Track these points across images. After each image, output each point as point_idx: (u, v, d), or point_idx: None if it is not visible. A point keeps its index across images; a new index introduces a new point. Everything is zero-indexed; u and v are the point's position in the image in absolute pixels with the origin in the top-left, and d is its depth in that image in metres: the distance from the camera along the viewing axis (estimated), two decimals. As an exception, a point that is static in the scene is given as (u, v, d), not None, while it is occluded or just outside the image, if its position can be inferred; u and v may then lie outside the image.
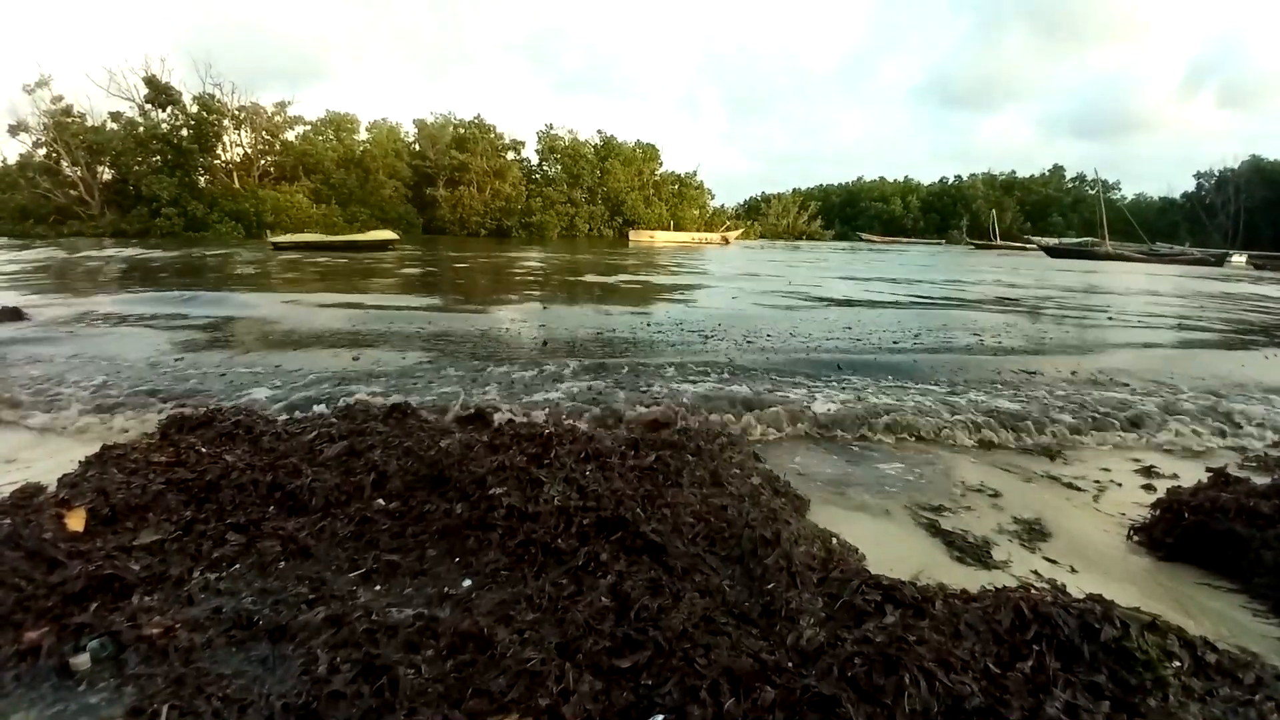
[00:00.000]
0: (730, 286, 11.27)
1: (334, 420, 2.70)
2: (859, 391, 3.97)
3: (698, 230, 42.89)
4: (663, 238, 37.49)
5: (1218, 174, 59.89)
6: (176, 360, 4.42)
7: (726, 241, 40.28)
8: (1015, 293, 12.04)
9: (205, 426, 2.67)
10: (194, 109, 33.53)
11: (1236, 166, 58.29)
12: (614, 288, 10.47)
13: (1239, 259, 27.39)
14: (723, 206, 55.18)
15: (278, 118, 37.73)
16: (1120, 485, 2.78)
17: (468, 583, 1.62)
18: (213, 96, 34.39)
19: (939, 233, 66.71)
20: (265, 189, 34.01)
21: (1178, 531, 2.24)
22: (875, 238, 57.39)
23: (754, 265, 18.97)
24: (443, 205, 39.41)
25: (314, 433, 2.51)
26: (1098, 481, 2.81)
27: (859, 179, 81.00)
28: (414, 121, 43.79)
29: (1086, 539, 2.28)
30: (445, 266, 13.84)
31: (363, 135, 42.89)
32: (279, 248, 20.42)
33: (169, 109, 33.25)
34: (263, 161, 36.85)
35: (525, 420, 3.01)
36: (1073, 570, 2.05)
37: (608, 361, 4.56)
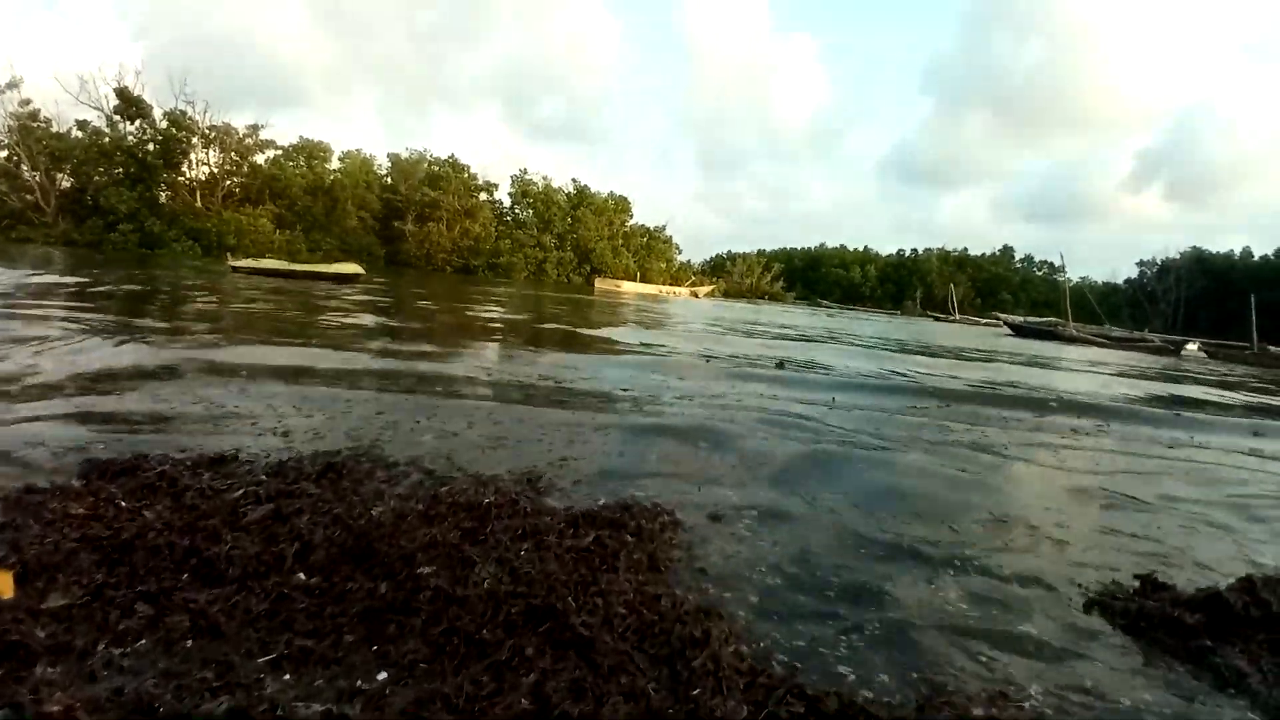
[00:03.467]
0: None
1: (263, 478, 2.60)
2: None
3: (664, 284, 43.54)
4: (629, 288, 37.87)
5: (1160, 263, 63.52)
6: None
7: (696, 296, 41.04)
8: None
9: (128, 475, 2.56)
10: (163, 124, 33.11)
11: (1178, 256, 61.92)
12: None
13: (1193, 347, 28.54)
14: (689, 262, 56.24)
15: (249, 140, 37.44)
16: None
17: (383, 675, 1.55)
18: (184, 113, 34.05)
19: (894, 303, 68.93)
20: (229, 210, 33.49)
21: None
22: (835, 305, 58.89)
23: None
24: (410, 240, 39.30)
25: (240, 490, 2.42)
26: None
27: (822, 245, 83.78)
28: (388, 155, 44.06)
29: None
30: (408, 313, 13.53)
31: (335, 164, 42.83)
32: (237, 271, 20.08)
33: (138, 122, 32.79)
34: (228, 182, 36.36)
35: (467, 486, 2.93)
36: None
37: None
